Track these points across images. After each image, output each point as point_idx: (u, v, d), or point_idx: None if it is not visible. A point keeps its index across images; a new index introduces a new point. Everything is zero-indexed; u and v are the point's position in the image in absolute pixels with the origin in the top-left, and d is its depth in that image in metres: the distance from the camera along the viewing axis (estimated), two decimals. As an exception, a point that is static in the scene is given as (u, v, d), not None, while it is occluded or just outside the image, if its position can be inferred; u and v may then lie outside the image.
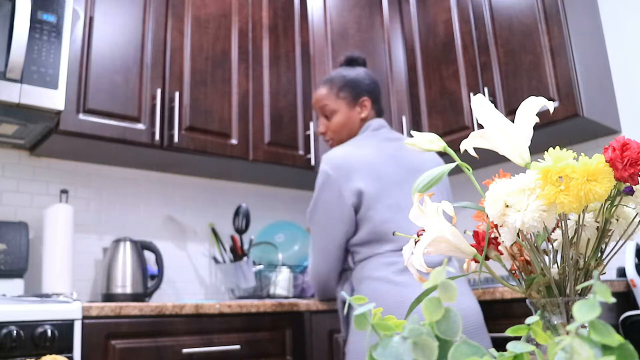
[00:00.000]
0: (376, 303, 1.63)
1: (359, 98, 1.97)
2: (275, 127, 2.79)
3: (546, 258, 0.65)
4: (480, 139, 0.70)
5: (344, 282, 1.88)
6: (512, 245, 0.65)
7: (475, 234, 0.69)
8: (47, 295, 1.93)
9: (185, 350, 1.95)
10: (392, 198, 1.74)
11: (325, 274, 1.89)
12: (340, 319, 1.89)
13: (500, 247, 0.67)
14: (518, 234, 0.63)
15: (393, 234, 1.74)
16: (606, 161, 0.58)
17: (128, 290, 2.30)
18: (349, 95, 1.97)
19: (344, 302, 1.86)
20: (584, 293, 0.63)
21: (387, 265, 1.70)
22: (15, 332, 1.61)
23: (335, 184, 1.78)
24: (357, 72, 2.02)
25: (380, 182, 1.76)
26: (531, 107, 0.68)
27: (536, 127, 0.67)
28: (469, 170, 0.68)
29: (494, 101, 2.64)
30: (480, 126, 0.69)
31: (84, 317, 1.78)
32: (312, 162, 2.83)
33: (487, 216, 0.63)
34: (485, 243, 0.67)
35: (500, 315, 2.06)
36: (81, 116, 2.22)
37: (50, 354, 1.63)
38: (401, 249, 1.67)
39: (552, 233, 0.64)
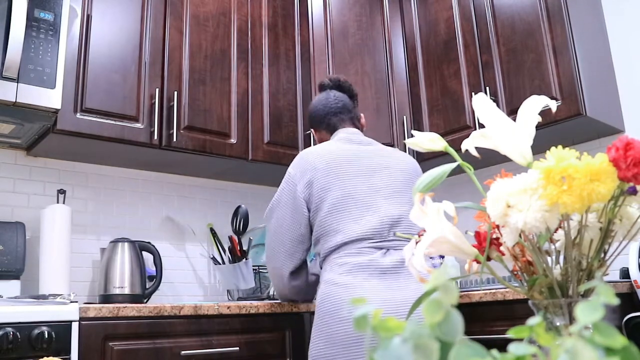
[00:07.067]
0: (322, 306, 1.64)
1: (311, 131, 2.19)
2: (275, 127, 2.78)
3: (548, 259, 0.64)
4: (481, 139, 0.69)
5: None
6: (514, 245, 0.64)
7: (477, 235, 0.68)
8: (44, 297, 1.92)
9: (184, 352, 1.93)
10: (344, 190, 1.79)
11: (279, 267, 1.92)
12: None
13: (502, 248, 0.67)
14: (520, 235, 0.62)
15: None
16: (609, 161, 0.58)
17: (126, 291, 2.28)
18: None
19: None
20: (586, 294, 0.63)
21: (338, 267, 1.73)
22: (11, 333, 1.60)
23: (292, 180, 1.89)
24: None
25: (333, 174, 1.82)
26: (533, 106, 0.67)
27: (538, 127, 0.66)
28: (470, 170, 0.67)
29: (495, 100, 2.62)
30: (482, 125, 0.68)
31: (81, 319, 1.77)
32: (312, 162, 2.82)
33: (489, 216, 0.63)
34: (487, 244, 0.66)
35: (501, 316, 2.05)
36: (78, 115, 2.21)
37: (48, 355, 1.63)
38: (351, 241, 1.72)
39: (555, 233, 0.63)
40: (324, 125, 2.05)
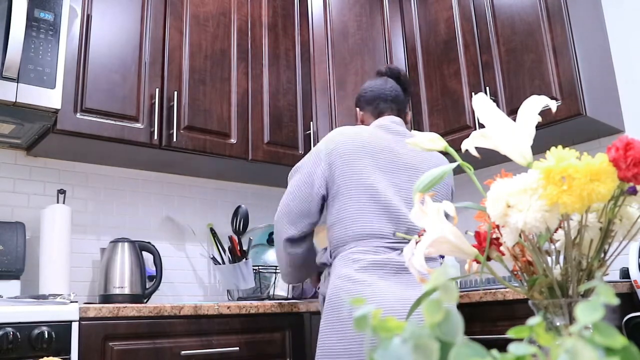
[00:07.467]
0: (334, 300, 1.61)
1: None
2: (275, 127, 2.78)
3: (548, 259, 0.64)
4: (481, 139, 0.69)
5: (325, 279, 1.89)
6: (514, 245, 0.64)
7: (477, 235, 0.68)
8: (44, 297, 1.92)
9: (183, 352, 1.93)
10: (367, 182, 1.77)
11: (279, 230, 1.90)
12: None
13: (502, 248, 0.66)
14: (520, 235, 0.62)
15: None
16: (609, 161, 0.57)
17: (126, 291, 2.28)
18: None
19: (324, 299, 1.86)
20: (586, 294, 0.63)
21: (353, 262, 1.72)
22: (11, 333, 1.60)
23: (319, 155, 1.86)
24: None
25: (358, 163, 1.79)
26: (533, 106, 0.67)
27: (538, 127, 0.66)
28: (470, 170, 0.67)
29: (495, 100, 2.62)
30: (482, 126, 0.68)
31: (81, 319, 1.77)
32: (312, 162, 2.82)
33: (489, 216, 0.62)
34: (487, 244, 0.66)
35: (501, 316, 2.05)
36: (78, 115, 2.21)
37: (48, 355, 1.63)
38: (367, 237, 1.71)
39: (555, 233, 0.63)
40: (372, 107, 2.02)
